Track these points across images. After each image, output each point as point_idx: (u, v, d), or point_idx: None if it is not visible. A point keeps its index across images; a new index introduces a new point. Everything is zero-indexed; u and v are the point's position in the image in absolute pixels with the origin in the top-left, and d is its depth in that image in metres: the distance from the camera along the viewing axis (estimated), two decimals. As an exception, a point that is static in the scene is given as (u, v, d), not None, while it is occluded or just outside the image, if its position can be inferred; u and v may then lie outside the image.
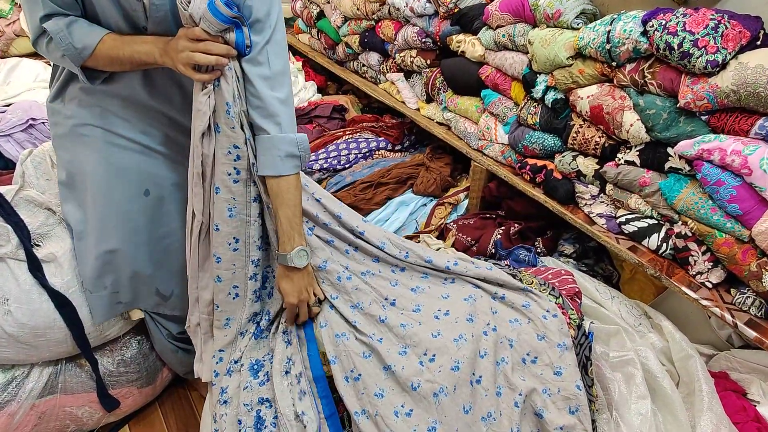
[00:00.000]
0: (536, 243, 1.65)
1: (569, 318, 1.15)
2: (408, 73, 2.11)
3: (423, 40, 1.90)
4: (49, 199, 1.27)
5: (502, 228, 1.66)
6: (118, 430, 1.51)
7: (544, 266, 1.46)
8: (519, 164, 1.61)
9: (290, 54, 2.80)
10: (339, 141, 2.15)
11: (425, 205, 1.89)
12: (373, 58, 2.21)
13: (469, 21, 1.71)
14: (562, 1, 1.39)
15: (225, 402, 1.04)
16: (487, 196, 1.81)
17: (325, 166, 2.05)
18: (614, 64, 1.27)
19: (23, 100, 1.73)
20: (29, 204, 1.25)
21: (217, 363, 1.11)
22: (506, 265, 1.35)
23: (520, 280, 1.23)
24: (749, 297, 1.14)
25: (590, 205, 1.45)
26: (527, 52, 1.50)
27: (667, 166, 1.23)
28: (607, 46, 1.24)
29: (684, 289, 1.21)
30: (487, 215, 1.76)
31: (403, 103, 2.11)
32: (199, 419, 1.48)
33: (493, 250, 1.61)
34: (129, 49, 0.97)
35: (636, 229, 1.32)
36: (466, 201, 1.86)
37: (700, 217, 1.17)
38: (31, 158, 1.29)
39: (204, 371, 1.16)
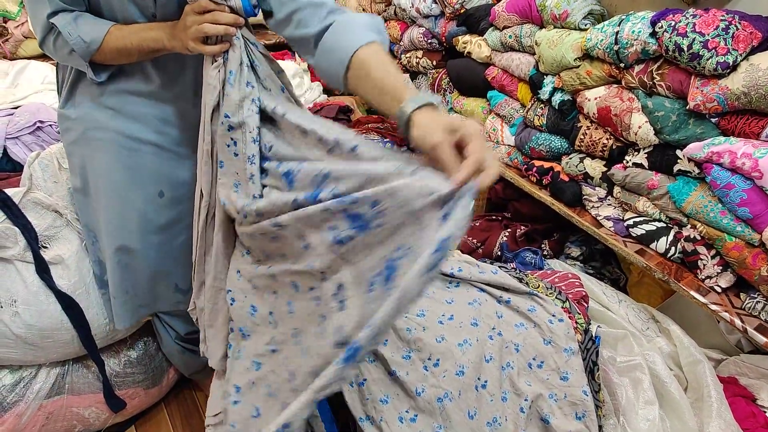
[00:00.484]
0: (543, 245, 1.64)
1: (576, 322, 1.14)
2: (414, 74, 2.11)
3: (429, 41, 1.89)
4: (56, 202, 1.28)
5: (509, 230, 1.65)
6: (125, 430, 1.52)
7: (551, 269, 1.45)
8: (525, 166, 1.60)
9: (296, 55, 2.81)
10: (345, 142, 2.15)
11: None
12: (379, 58, 2.21)
13: (475, 22, 1.70)
14: (569, 1, 1.38)
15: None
16: (494, 197, 1.80)
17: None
18: (622, 65, 1.25)
19: (31, 103, 1.74)
20: (37, 206, 1.26)
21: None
22: (512, 268, 1.34)
23: (527, 283, 1.22)
24: (759, 302, 1.13)
25: (597, 207, 1.44)
26: (534, 53, 1.49)
27: (675, 168, 1.21)
28: (615, 48, 1.23)
29: (693, 293, 1.19)
30: (493, 217, 1.75)
31: (409, 104, 2.10)
32: (204, 419, 1.49)
33: (499, 253, 1.61)
34: (136, 38, 0.96)
35: (644, 232, 1.31)
36: (472, 202, 1.85)
37: (709, 220, 1.15)
38: (38, 161, 1.30)
39: (210, 353, 1.16)
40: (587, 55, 1.34)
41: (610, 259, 1.64)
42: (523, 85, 1.58)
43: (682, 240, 1.24)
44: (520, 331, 1.10)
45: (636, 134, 1.25)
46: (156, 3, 0.97)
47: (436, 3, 1.80)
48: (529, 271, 1.34)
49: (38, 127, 1.64)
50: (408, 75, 2.09)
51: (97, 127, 1.09)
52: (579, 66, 1.35)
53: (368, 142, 0.79)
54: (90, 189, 1.16)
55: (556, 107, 1.45)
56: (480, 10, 1.68)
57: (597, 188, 1.43)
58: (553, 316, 1.12)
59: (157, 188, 1.16)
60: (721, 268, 1.19)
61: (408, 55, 2.02)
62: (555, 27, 1.44)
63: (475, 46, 1.70)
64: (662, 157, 1.24)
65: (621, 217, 1.39)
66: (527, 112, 1.55)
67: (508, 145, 1.67)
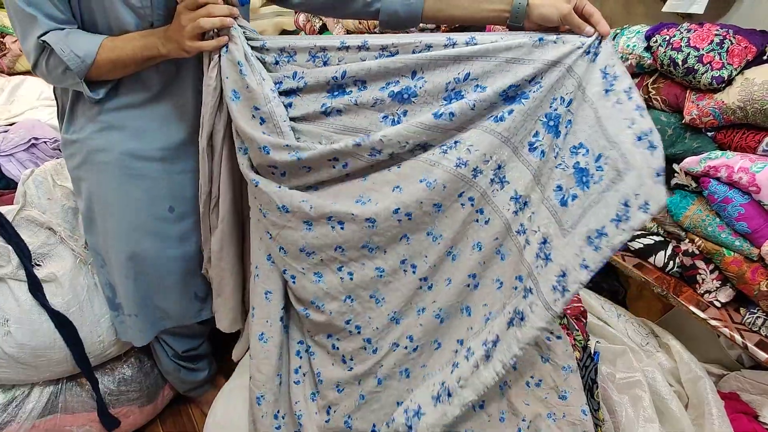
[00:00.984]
0: (541, 258, 1.62)
1: (574, 339, 1.12)
2: None
3: (425, 53, 1.89)
4: (50, 219, 1.27)
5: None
6: (119, 449, 1.50)
7: (549, 283, 1.44)
8: (522, 179, 1.59)
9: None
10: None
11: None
12: (376, 71, 2.21)
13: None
14: (564, 15, 1.38)
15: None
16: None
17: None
18: (618, 79, 1.25)
19: (26, 119, 1.74)
20: (30, 224, 1.26)
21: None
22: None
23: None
24: (759, 317, 1.11)
25: (595, 220, 1.43)
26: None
27: (673, 182, 1.21)
28: (610, 62, 1.23)
29: (692, 308, 1.18)
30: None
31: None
32: (200, 438, 1.47)
33: (497, 266, 1.59)
34: (130, 47, 0.94)
35: (642, 246, 1.30)
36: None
37: (707, 234, 1.15)
38: (32, 178, 1.30)
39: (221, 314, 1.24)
40: (583, 69, 1.33)
41: (608, 272, 1.63)
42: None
43: (680, 254, 1.23)
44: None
45: (632, 148, 1.25)
46: (153, 11, 0.96)
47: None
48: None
49: (33, 144, 1.63)
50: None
51: (100, 149, 1.07)
52: (574, 79, 1.35)
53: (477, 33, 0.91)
54: (96, 214, 1.14)
55: (553, 120, 1.44)
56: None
57: (594, 201, 1.42)
58: (551, 333, 1.11)
59: (166, 204, 1.14)
60: (720, 282, 1.17)
61: None
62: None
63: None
64: (659, 171, 1.23)
65: (619, 231, 1.38)
66: (524, 125, 1.55)
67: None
